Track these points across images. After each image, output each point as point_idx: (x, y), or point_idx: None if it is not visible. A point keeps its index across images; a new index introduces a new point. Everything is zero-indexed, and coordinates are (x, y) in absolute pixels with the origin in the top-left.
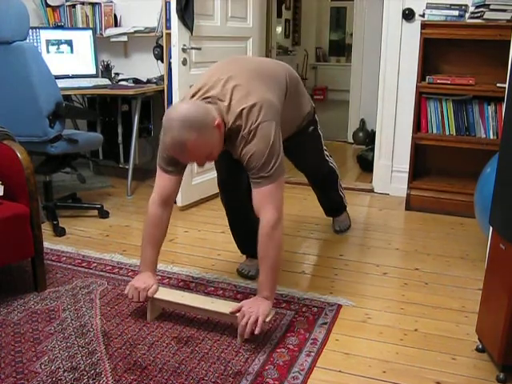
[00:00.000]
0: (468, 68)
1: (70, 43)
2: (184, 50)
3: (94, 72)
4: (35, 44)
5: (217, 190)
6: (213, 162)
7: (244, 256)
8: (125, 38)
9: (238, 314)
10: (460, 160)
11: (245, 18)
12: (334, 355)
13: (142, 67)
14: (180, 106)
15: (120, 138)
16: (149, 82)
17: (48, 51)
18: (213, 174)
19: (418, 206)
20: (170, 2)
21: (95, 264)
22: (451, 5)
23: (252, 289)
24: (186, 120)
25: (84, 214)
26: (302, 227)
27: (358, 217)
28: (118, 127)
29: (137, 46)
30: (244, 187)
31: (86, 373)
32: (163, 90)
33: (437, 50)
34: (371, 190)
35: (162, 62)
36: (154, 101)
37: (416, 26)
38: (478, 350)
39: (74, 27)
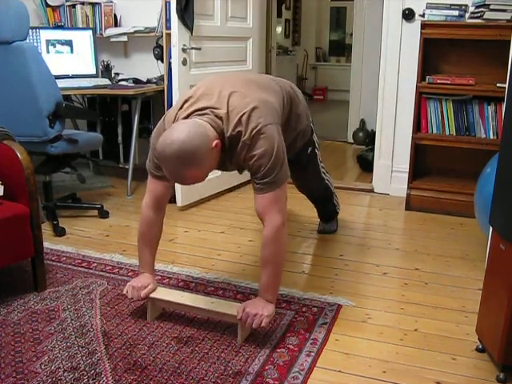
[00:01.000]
0: (468, 68)
1: (69, 43)
2: (184, 50)
3: (94, 72)
4: (35, 44)
5: (217, 190)
6: None
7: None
8: (125, 38)
9: (240, 314)
10: (460, 160)
11: (245, 18)
12: (334, 355)
13: (141, 67)
14: (174, 137)
15: (120, 138)
16: (149, 82)
17: (48, 51)
18: (213, 174)
19: (417, 206)
20: (169, 2)
21: (95, 264)
22: (451, 5)
23: (252, 289)
24: (181, 156)
25: (84, 214)
26: (302, 227)
27: (357, 217)
28: (118, 127)
29: (137, 46)
30: None
31: (85, 373)
32: (163, 90)
33: (437, 50)
34: (371, 190)
35: (162, 62)
36: (154, 101)
37: (416, 25)
38: (477, 350)
39: (74, 27)
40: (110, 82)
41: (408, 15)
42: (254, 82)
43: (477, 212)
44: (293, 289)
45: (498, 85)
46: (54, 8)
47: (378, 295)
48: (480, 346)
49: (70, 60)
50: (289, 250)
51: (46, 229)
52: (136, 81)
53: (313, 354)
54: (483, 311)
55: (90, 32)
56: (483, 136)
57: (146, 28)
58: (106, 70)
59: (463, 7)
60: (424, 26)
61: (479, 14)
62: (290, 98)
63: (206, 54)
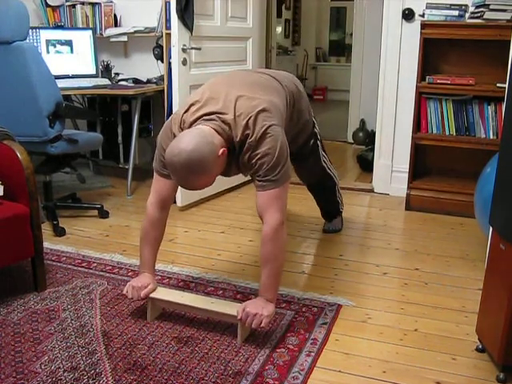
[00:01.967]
0: (468, 68)
1: (69, 43)
2: (184, 50)
3: (94, 72)
4: (35, 44)
5: (217, 190)
6: None
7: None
8: (125, 38)
9: (240, 314)
10: (460, 160)
11: (245, 18)
12: (333, 355)
13: (141, 67)
14: (182, 146)
15: (120, 138)
16: (149, 82)
17: (48, 51)
18: None
19: (417, 206)
20: (169, 2)
21: (95, 264)
22: (451, 5)
23: (252, 289)
24: (189, 166)
25: (84, 214)
26: (302, 227)
27: (357, 217)
28: (118, 127)
29: (137, 46)
30: None
31: (85, 373)
32: (163, 90)
33: (437, 50)
34: (371, 190)
35: (162, 61)
36: (153, 101)
37: (416, 25)
38: (477, 350)
39: (74, 27)
40: (109, 82)
41: (408, 15)
42: (257, 85)
43: (477, 212)
44: (293, 289)
45: (498, 85)
46: (54, 8)
47: (378, 295)
48: (480, 346)
49: (69, 60)
50: (289, 250)
51: (46, 229)
52: (136, 81)
53: (313, 353)
54: (483, 311)
55: (89, 32)
56: (483, 136)
57: (145, 28)
58: (105, 70)
59: (463, 7)
60: (424, 25)
61: (479, 14)
62: (292, 97)
63: (205, 54)
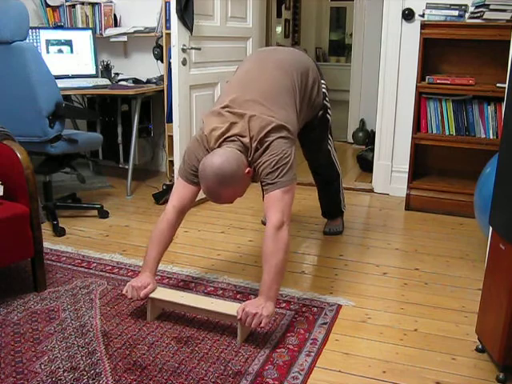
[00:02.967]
0: (468, 68)
1: (69, 43)
2: (184, 50)
3: (94, 72)
4: (35, 44)
5: None
6: None
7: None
8: (124, 38)
9: (240, 314)
10: (460, 160)
11: (244, 18)
12: (333, 355)
13: (141, 67)
14: (215, 160)
15: (120, 138)
16: (148, 82)
17: (48, 51)
18: None
19: (417, 206)
20: (169, 2)
21: (95, 264)
22: (451, 5)
23: (252, 288)
24: (220, 175)
25: (84, 214)
26: (302, 227)
27: (357, 217)
28: (118, 127)
29: (136, 46)
30: None
31: (85, 373)
32: (163, 90)
33: (436, 50)
34: (371, 190)
35: (162, 62)
36: (153, 101)
37: (416, 26)
38: (477, 350)
39: (74, 27)
40: (109, 82)
41: (408, 15)
42: (270, 96)
43: (476, 212)
44: (293, 289)
45: (498, 85)
46: (54, 8)
47: (377, 295)
48: (480, 346)
49: (69, 60)
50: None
51: (46, 229)
52: (136, 81)
53: (312, 354)
54: (483, 311)
55: (89, 32)
56: (483, 136)
57: (145, 28)
58: (105, 70)
59: (463, 7)
60: (424, 26)
61: (479, 14)
62: (304, 91)
63: (205, 54)
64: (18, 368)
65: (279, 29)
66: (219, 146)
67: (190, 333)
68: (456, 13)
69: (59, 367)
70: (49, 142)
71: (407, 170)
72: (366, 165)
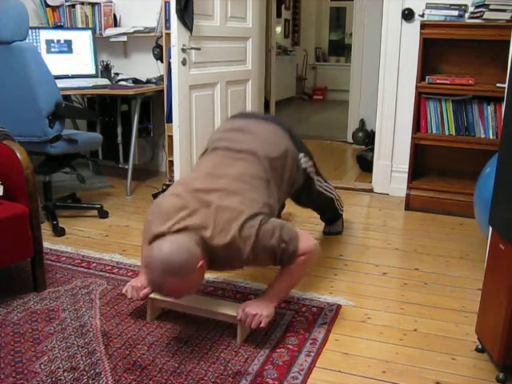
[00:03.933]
0: (467, 68)
1: (69, 43)
2: (183, 50)
3: (94, 72)
4: (35, 44)
5: None
6: None
7: None
8: (124, 38)
9: (240, 315)
10: (459, 160)
11: (244, 18)
12: (333, 355)
13: (141, 67)
14: (164, 247)
15: (119, 138)
16: (148, 82)
17: (47, 51)
18: None
19: (417, 206)
20: (169, 2)
21: (95, 264)
22: (451, 5)
23: (252, 289)
24: (167, 265)
25: (83, 214)
26: (302, 227)
27: (357, 217)
28: (118, 127)
29: (136, 46)
30: None
31: (85, 373)
32: (163, 90)
33: (436, 50)
34: (371, 190)
35: (162, 62)
36: (153, 101)
37: (415, 26)
38: (477, 350)
39: (74, 27)
40: (109, 82)
41: (407, 15)
42: (243, 181)
43: (476, 212)
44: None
45: (498, 85)
46: (54, 8)
47: (377, 295)
48: (480, 346)
49: (69, 60)
50: None
51: (46, 229)
52: (135, 81)
53: (312, 354)
54: (483, 311)
55: (89, 32)
56: (483, 136)
57: (145, 28)
58: (105, 70)
59: (463, 7)
60: (423, 26)
61: (479, 14)
62: (280, 176)
63: (205, 54)
64: (18, 368)
65: (279, 29)
66: (176, 232)
67: (190, 333)
68: (456, 13)
69: (59, 367)
70: (48, 141)
71: (407, 169)
72: (365, 165)
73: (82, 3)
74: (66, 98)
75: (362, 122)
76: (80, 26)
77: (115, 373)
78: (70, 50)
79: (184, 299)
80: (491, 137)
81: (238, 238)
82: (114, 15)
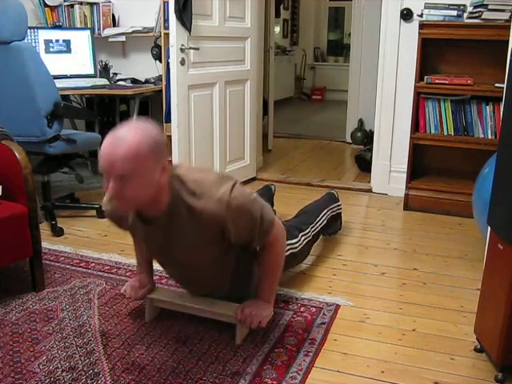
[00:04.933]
0: (466, 68)
1: (68, 43)
2: (182, 50)
3: (93, 72)
4: (33, 44)
5: None
6: None
7: None
8: (123, 38)
9: (239, 315)
10: (458, 160)
11: (243, 17)
12: (332, 355)
13: (140, 67)
14: (125, 131)
15: None
16: (147, 81)
17: (46, 51)
18: None
19: (416, 205)
20: (168, 2)
21: (93, 264)
22: (449, 5)
23: None
24: (121, 139)
25: (82, 213)
26: None
27: (356, 217)
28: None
29: (135, 46)
30: None
31: (84, 373)
32: (161, 90)
33: (435, 50)
34: (369, 190)
35: (160, 61)
36: (152, 101)
37: (414, 25)
38: (476, 350)
39: (72, 27)
40: (108, 82)
41: (406, 15)
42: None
43: (475, 212)
44: (291, 289)
45: (497, 85)
46: (53, 8)
47: (376, 295)
48: (478, 346)
49: (68, 60)
50: None
51: (45, 229)
52: (134, 81)
53: (311, 354)
54: (481, 311)
55: (88, 32)
56: (481, 136)
57: (144, 28)
58: (104, 70)
59: (461, 7)
60: (422, 25)
61: (477, 14)
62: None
63: (204, 54)
64: (17, 368)
65: (277, 29)
66: None
67: (189, 333)
68: (454, 13)
69: (58, 367)
70: (47, 141)
71: (406, 169)
72: (364, 165)
73: (81, 3)
74: (65, 97)
75: (361, 121)
76: (78, 25)
77: (114, 373)
78: (68, 50)
79: (183, 299)
80: (490, 137)
81: (216, 190)
82: (113, 15)
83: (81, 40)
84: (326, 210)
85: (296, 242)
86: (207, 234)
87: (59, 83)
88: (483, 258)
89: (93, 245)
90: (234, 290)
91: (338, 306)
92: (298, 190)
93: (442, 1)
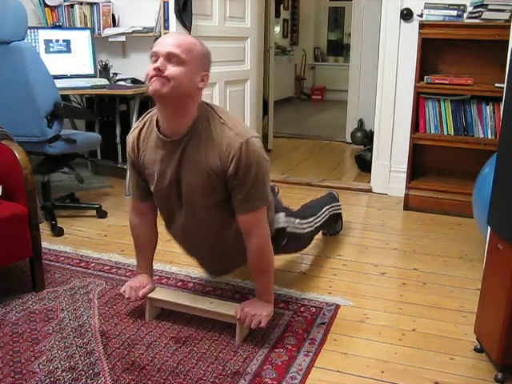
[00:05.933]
0: (466, 68)
1: (68, 43)
2: None
3: (92, 72)
4: (33, 44)
5: None
6: None
7: None
8: (123, 38)
9: (239, 315)
10: (458, 160)
11: (243, 17)
12: (332, 355)
13: (140, 67)
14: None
15: (118, 138)
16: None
17: (46, 51)
18: None
19: (416, 205)
20: (168, 2)
21: (93, 264)
22: (449, 5)
23: (250, 288)
24: (181, 39)
25: (82, 213)
26: None
27: (356, 217)
28: (116, 127)
29: (135, 45)
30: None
31: (84, 373)
32: None
33: (435, 50)
34: (369, 190)
35: None
36: (152, 101)
37: (414, 25)
38: (476, 350)
39: (72, 27)
40: (108, 82)
41: (406, 15)
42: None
43: (475, 212)
44: (291, 289)
45: (496, 85)
46: (52, 8)
47: (376, 295)
48: (478, 346)
49: (68, 60)
50: None
51: (44, 229)
52: (134, 81)
53: (311, 354)
54: (481, 311)
55: (88, 32)
56: (481, 136)
57: (144, 28)
58: (104, 70)
59: (461, 7)
60: (422, 25)
61: (477, 14)
62: None
63: None
64: (17, 368)
65: (277, 29)
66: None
67: (189, 333)
68: (454, 13)
69: (57, 367)
70: (47, 141)
71: (405, 169)
72: (364, 165)
73: (81, 3)
74: (65, 97)
75: (361, 121)
76: (78, 25)
77: (114, 373)
78: (68, 50)
79: (182, 299)
80: (490, 137)
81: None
82: (113, 15)
83: (81, 40)
84: (327, 207)
85: (300, 225)
86: (211, 176)
87: (59, 83)
88: (483, 258)
89: (93, 245)
90: (230, 264)
91: (338, 306)
92: (298, 190)
93: (442, 1)
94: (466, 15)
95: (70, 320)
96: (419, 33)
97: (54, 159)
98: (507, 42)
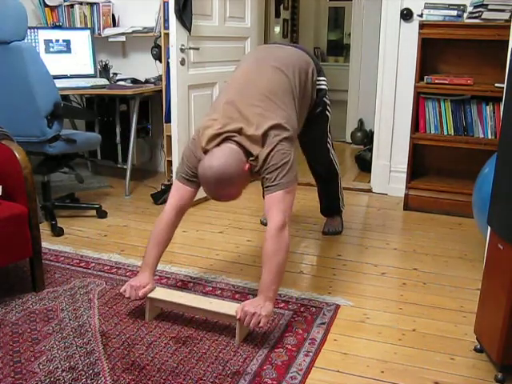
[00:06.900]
0: (466, 68)
1: (68, 43)
2: (182, 50)
3: (92, 72)
4: (33, 44)
5: None
6: None
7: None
8: (123, 38)
9: (239, 314)
10: (458, 160)
11: (243, 17)
12: (332, 355)
13: (140, 67)
14: (214, 162)
15: (118, 138)
16: (147, 81)
17: (46, 51)
18: None
19: (416, 206)
20: (168, 2)
21: (93, 264)
22: (449, 5)
23: (250, 288)
24: (219, 178)
25: (82, 214)
26: (300, 227)
27: (356, 217)
28: (116, 127)
29: (135, 46)
30: None
31: (84, 373)
32: (161, 90)
33: (435, 50)
34: (369, 190)
35: (161, 61)
36: (152, 101)
37: (414, 25)
38: (476, 350)
39: (72, 27)
40: (108, 82)
41: (406, 15)
42: (271, 95)
43: (475, 212)
44: (291, 289)
45: (496, 85)
46: (52, 8)
47: (376, 295)
48: (478, 346)
49: (68, 60)
50: None
51: (44, 229)
52: (134, 81)
53: (311, 354)
54: (481, 311)
55: (88, 32)
56: (481, 136)
57: (144, 28)
58: (104, 70)
59: (461, 7)
60: (422, 25)
61: (477, 14)
62: (303, 91)
63: (204, 54)
64: (17, 368)
65: (277, 29)
66: (217, 145)
67: (189, 333)
68: (454, 13)
69: (58, 367)
70: (47, 141)
71: (406, 169)
72: (364, 165)
73: (81, 3)
74: (65, 97)
75: (361, 121)
76: (78, 25)
77: (114, 373)
78: (68, 50)
79: (182, 299)
80: (490, 137)
81: (264, 138)
82: (113, 15)
83: (81, 40)
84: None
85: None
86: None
87: (59, 83)
88: (483, 258)
89: (93, 245)
90: None
91: (337, 306)
92: (298, 190)
93: (442, 1)
94: (465, 15)
95: (69, 320)
96: (419, 33)
97: (54, 159)
98: (507, 42)
